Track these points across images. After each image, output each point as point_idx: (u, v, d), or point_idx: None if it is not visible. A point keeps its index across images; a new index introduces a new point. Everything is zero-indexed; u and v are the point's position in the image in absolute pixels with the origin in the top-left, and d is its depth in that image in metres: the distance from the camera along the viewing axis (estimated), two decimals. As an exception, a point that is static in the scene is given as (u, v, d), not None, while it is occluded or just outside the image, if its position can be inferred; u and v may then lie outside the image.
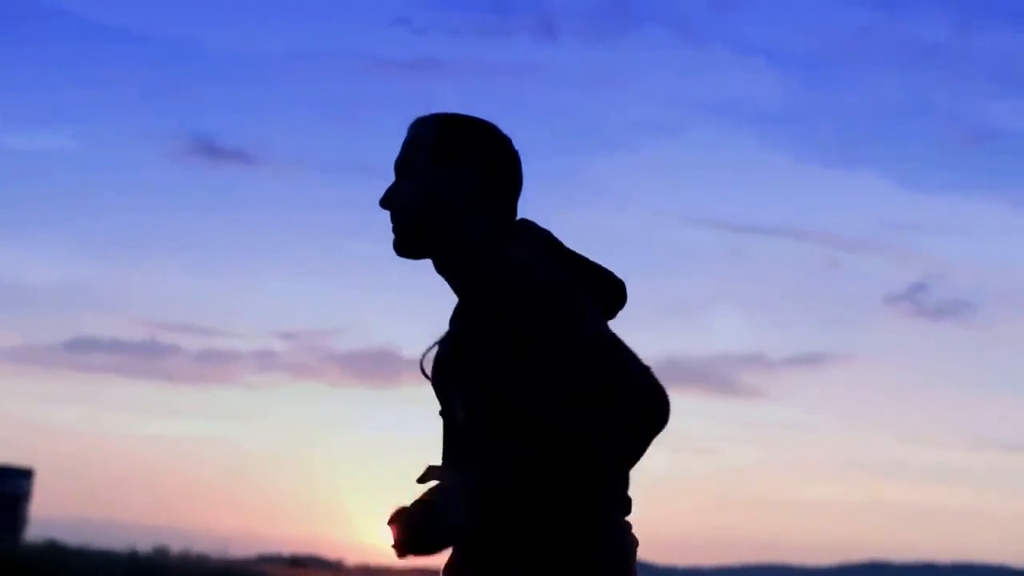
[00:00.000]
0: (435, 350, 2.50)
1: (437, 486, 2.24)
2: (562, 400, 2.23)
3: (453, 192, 2.42)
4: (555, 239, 2.43)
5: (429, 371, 2.49)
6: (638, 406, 2.19)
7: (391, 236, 2.48)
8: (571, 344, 2.24)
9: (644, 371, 2.23)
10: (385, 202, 2.48)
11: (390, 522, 2.31)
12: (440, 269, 2.47)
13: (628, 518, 2.38)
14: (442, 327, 2.50)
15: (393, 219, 2.47)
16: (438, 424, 2.50)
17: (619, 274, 2.45)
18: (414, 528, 2.27)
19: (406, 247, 2.46)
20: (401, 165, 2.48)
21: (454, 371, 2.39)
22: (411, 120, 2.52)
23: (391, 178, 2.50)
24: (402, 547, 2.29)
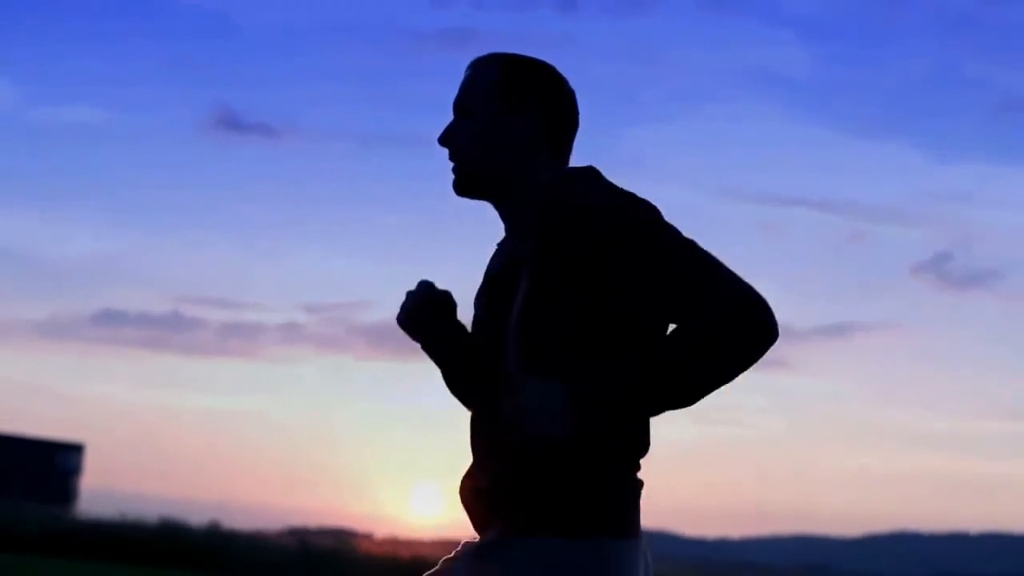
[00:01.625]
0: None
1: (527, 389, 2.25)
2: (680, 312, 2.26)
3: (515, 135, 2.43)
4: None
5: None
6: (755, 318, 2.24)
7: (443, 173, 2.48)
8: (688, 260, 2.27)
9: (752, 290, 2.27)
10: (444, 140, 2.48)
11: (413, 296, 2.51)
12: (500, 211, 2.49)
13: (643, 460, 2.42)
14: (468, 298, 2.53)
15: (453, 159, 2.47)
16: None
17: None
18: (415, 307, 2.48)
19: (468, 188, 2.47)
20: (461, 105, 2.48)
21: (534, 319, 2.36)
22: (440, 90, 2.54)
23: (418, 150, 2.63)
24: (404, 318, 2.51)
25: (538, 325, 2.33)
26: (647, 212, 2.31)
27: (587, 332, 2.31)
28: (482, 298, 2.51)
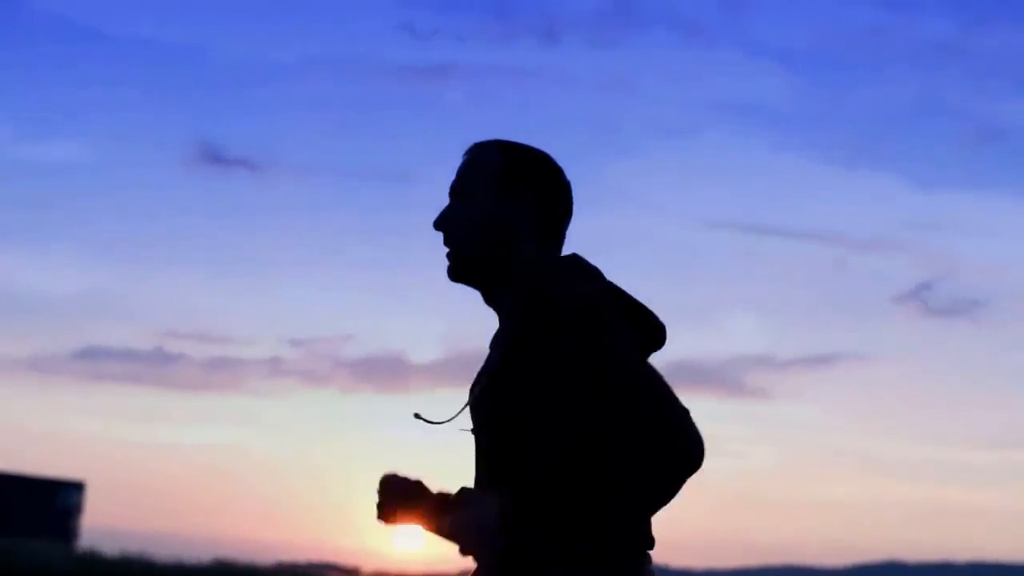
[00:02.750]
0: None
1: (467, 505, 2.29)
2: (606, 438, 2.24)
3: (512, 223, 2.44)
4: (601, 274, 2.44)
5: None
6: (679, 452, 2.22)
7: (427, 240, 2.50)
8: (621, 385, 2.25)
9: (685, 416, 2.26)
10: (440, 224, 2.48)
11: (384, 486, 2.41)
12: (488, 299, 2.50)
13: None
14: (451, 331, 2.75)
15: (448, 243, 2.48)
16: (450, 428, 2.53)
17: (632, 276, 2.48)
18: (397, 497, 2.39)
19: (462, 274, 2.47)
20: (460, 189, 2.49)
21: (488, 396, 2.39)
22: (421, 123, 2.77)
23: (399, 184, 2.80)
24: (384, 513, 2.41)
25: (494, 422, 2.34)
26: (605, 323, 2.29)
27: (545, 431, 2.29)
28: (472, 391, 2.50)
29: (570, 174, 2.52)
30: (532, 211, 2.44)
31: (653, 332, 2.42)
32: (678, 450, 2.23)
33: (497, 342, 2.45)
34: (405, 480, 2.42)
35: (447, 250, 2.48)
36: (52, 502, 36.70)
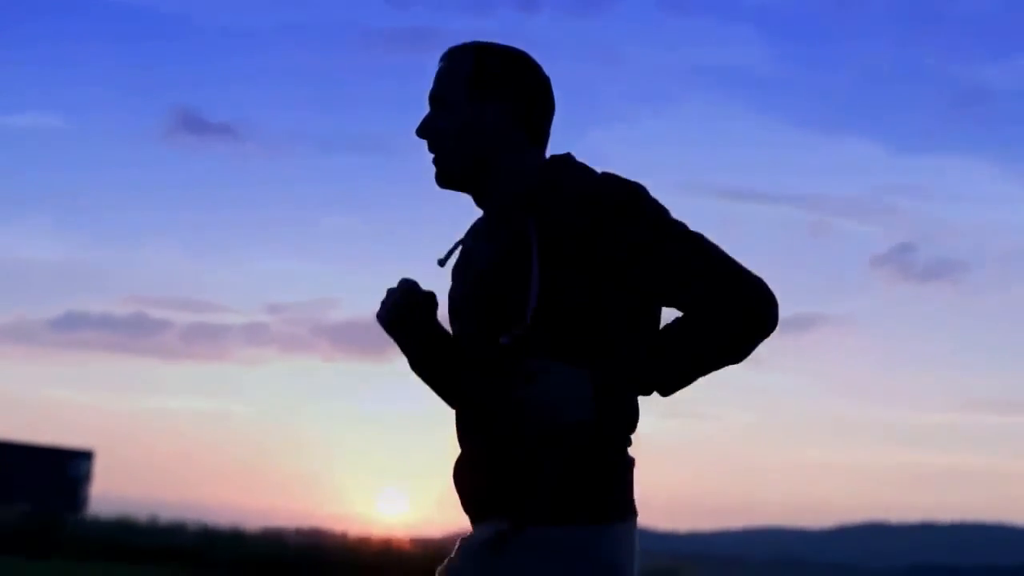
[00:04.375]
0: (455, 255, 2.53)
1: (553, 376, 2.24)
2: (690, 298, 2.28)
3: (492, 125, 2.42)
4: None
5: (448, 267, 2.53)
6: (759, 305, 2.28)
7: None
8: (683, 242, 2.29)
9: (750, 276, 2.31)
10: (422, 132, 2.47)
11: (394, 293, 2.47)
12: (480, 201, 2.48)
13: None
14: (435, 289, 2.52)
15: (432, 150, 2.46)
16: (434, 395, 2.52)
17: None
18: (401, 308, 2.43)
19: (449, 179, 2.46)
20: (437, 96, 2.47)
21: (498, 287, 2.36)
22: (401, 91, 2.78)
23: (378, 152, 3.04)
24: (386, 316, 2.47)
25: (549, 310, 2.31)
26: (651, 200, 2.32)
27: (598, 316, 2.31)
28: (461, 274, 2.50)
29: (551, 139, 2.48)
30: (512, 110, 2.42)
31: None
32: (768, 307, 2.29)
33: (491, 234, 2.43)
34: (429, 296, 2.48)
35: (432, 157, 2.47)
36: (61, 471, 37.43)
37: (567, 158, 2.43)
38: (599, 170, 2.37)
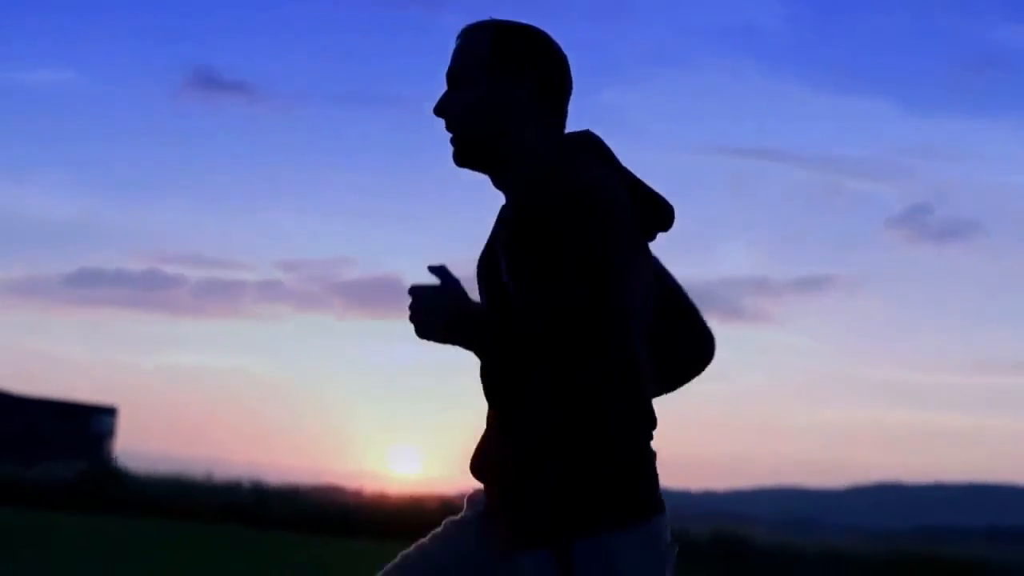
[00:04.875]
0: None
1: (420, 292, 2.29)
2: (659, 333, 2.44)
3: (510, 102, 2.41)
4: (612, 154, 2.42)
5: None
6: (710, 348, 2.46)
7: (449, 146, 2.46)
8: (604, 280, 2.23)
9: (691, 314, 2.49)
10: (439, 110, 2.46)
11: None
12: (497, 181, 2.46)
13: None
14: (448, 254, 2.50)
15: (450, 129, 2.45)
16: (446, 353, 2.47)
17: None
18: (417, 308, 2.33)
19: (467, 158, 2.44)
20: (454, 74, 2.46)
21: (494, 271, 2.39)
22: (416, 48, 3.09)
23: (393, 109, 3.34)
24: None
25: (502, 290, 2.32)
26: (599, 219, 2.25)
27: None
28: (480, 267, 2.49)
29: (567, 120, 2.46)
30: (529, 87, 2.41)
31: (659, 213, 2.42)
32: (707, 348, 2.46)
33: (503, 219, 2.41)
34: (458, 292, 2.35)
35: (450, 136, 2.45)
36: (86, 427, 37.67)
37: (579, 143, 2.40)
38: (591, 175, 2.30)
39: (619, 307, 2.25)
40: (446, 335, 2.30)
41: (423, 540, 2.47)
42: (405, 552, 2.47)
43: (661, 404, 2.41)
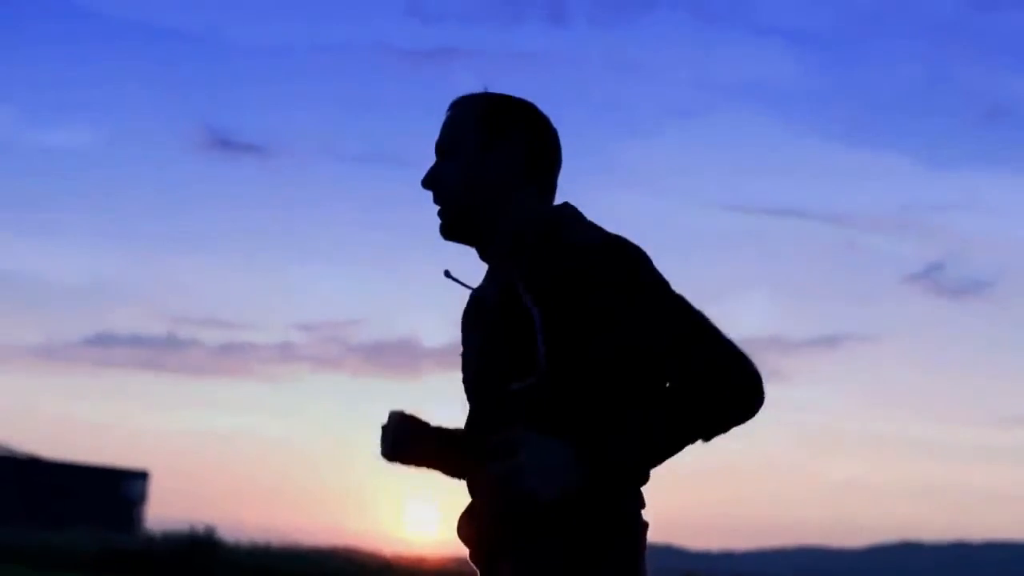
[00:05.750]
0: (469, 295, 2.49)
1: (529, 446, 2.19)
2: (673, 366, 2.22)
3: (500, 175, 2.38)
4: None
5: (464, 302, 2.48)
6: (745, 384, 2.22)
7: (434, 220, 2.44)
8: (674, 317, 2.23)
9: (743, 353, 2.24)
10: (428, 183, 2.42)
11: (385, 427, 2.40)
12: (484, 254, 2.44)
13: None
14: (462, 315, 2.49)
15: (438, 201, 2.42)
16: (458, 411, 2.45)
17: None
18: (396, 438, 2.36)
19: (454, 231, 2.42)
20: (444, 146, 2.42)
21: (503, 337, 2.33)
22: (430, 107, 2.50)
23: (408, 169, 2.42)
24: (387, 452, 2.41)
25: (552, 360, 2.26)
26: (642, 258, 2.27)
27: (583, 381, 2.25)
28: (470, 321, 2.45)
29: (580, 156, 2.43)
30: (520, 160, 2.38)
31: None
32: (753, 385, 2.24)
33: (495, 281, 2.39)
34: (417, 420, 2.44)
35: (437, 208, 2.43)
36: (116, 492, 37.46)
37: (568, 211, 2.39)
38: (606, 230, 2.33)
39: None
40: (403, 463, 2.43)
41: None
42: None
43: (677, 462, 2.30)
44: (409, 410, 2.45)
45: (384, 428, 2.45)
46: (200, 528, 23.64)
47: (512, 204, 2.38)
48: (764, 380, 2.23)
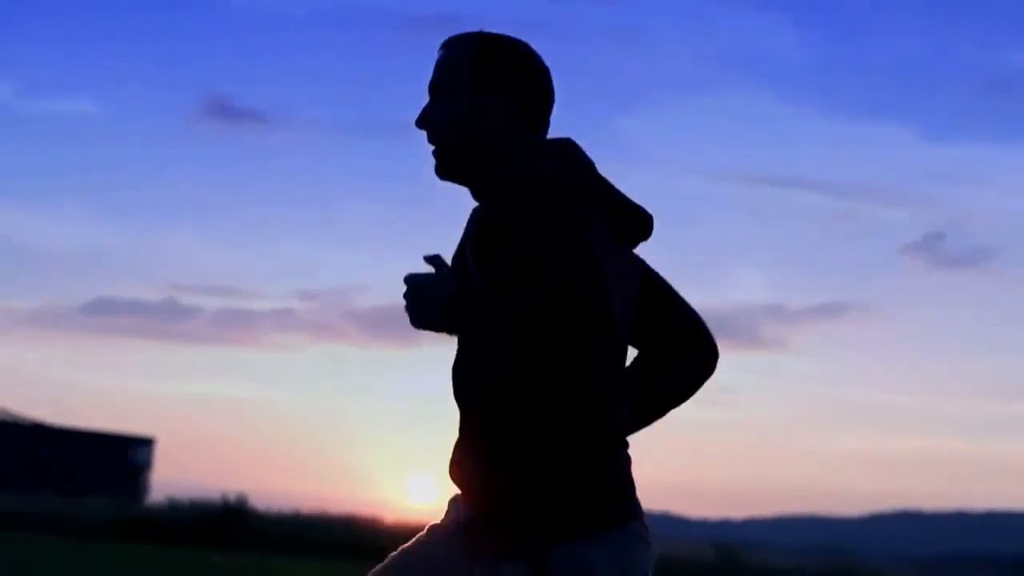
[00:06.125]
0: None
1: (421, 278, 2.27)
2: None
3: (494, 114, 2.38)
4: (588, 160, 2.38)
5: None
6: (709, 351, 2.46)
7: (431, 158, 2.44)
8: (571, 269, 2.21)
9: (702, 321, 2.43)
10: (421, 122, 2.43)
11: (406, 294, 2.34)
12: (477, 194, 2.43)
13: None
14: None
15: (432, 141, 2.42)
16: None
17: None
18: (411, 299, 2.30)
19: (449, 169, 2.42)
20: (437, 86, 2.44)
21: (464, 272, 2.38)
22: (429, 77, 2.46)
23: (409, 135, 2.46)
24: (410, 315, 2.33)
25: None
26: (566, 201, 2.26)
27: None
28: (455, 264, 2.46)
29: (578, 127, 2.45)
30: (512, 99, 2.39)
31: (638, 220, 2.40)
32: (709, 352, 2.41)
33: (474, 216, 2.43)
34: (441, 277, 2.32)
35: (431, 149, 2.43)
36: (123, 458, 37.43)
37: (557, 144, 2.39)
38: (564, 163, 2.34)
39: (599, 297, 2.24)
40: (441, 320, 2.27)
41: (407, 545, 2.44)
42: (391, 555, 2.44)
43: (676, 430, 2.56)
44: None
45: (405, 295, 2.34)
46: (231, 496, 24.06)
47: (506, 144, 2.38)
48: (752, 347, 2.47)
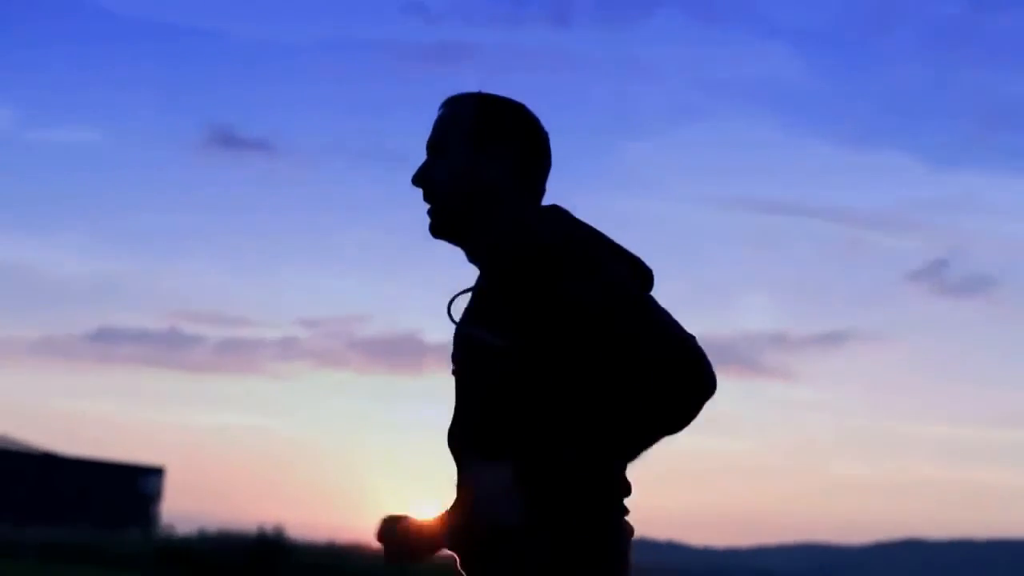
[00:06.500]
0: (463, 298, 2.45)
1: (476, 476, 2.21)
2: (619, 358, 2.18)
3: (491, 175, 2.38)
4: (584, 223, 2.36)
5: (456, 317, 2.43)
6: (692, 372, 2.15)
7: (425, 217, 2.44)
8: (609, 296, 2.19)
9: (686, 335, 2.18)
10: (418, 180, 2.42)
11: (378, 535, 2.31)
12: (472, 256, 2.42)
13: (627, 501, 2.31)
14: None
15: (428, 199, 2.42)
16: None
17: (646, 257, 2.37)
18: (395, 541, 2.27)
19: (444, 229, 2.41)
20: (436, 143, 2.43)
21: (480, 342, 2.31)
22: (434, 105, 2.47)
23: (411, 166, 2.44)
24: (390, 557, 2.31)
25: (494, 390, 2.26)
26: (594, 249, 2.24)
27: (534, 386, 2.23)
28: (455, 355, 2.41)
29: (584, 157, 3.03)
30: (511, 163, 2.38)
31: (642, 276, 2.35)
32: (692, 372, 2.16)
33: (479, 289, 2.38)
34: (403, 520, 2.33)
35: (427, 207, 2.43)
36: (132, 488, 37.36)
37: (547, 211, 2.37)
38: (570, 226, 2.30)
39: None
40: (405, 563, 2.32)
41: None
42: None
43: (680, 458, 2.54)
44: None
45: (377, 536, 2.36)
46: (268, 529, 24.12)
47: (501, 208, 2.38)
48: (713, 375, 2.19)
